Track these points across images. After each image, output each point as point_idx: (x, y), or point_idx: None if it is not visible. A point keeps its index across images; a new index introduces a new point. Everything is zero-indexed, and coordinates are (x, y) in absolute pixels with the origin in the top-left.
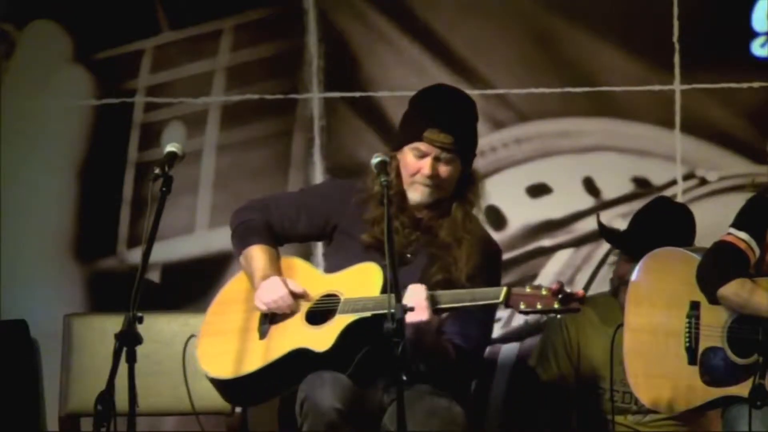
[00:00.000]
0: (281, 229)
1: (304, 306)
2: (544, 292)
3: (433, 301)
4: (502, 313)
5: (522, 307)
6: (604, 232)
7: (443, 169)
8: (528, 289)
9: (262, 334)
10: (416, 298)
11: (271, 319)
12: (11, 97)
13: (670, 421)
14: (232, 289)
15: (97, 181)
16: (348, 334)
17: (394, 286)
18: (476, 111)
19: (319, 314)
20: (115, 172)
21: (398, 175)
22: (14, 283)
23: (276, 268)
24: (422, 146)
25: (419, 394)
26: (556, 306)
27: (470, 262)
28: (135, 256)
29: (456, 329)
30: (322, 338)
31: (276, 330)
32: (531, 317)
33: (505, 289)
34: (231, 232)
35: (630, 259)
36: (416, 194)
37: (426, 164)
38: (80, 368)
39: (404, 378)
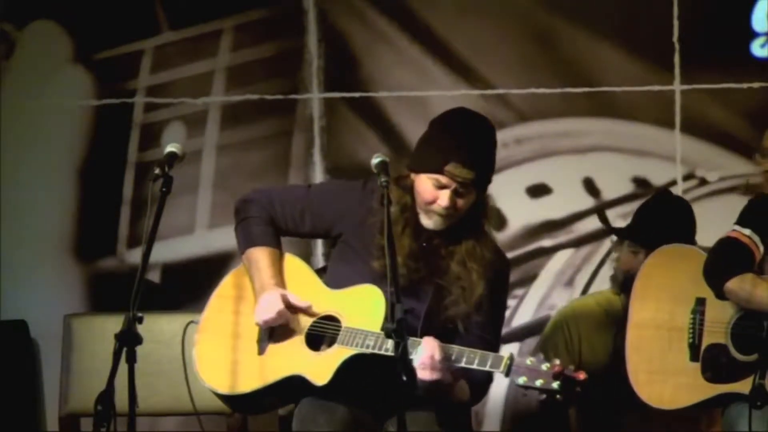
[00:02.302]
0: (285, 227)
1: (305, 324)
2: (544, 368)
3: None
4: None
5: (522, 381)
6: (608, 226)
7: (461, 202)
8: (528, 362)
9: (261, 350)
10: (428, 355)
11: (270, 334)
12: (11, 97)
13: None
14: (233, 283)
15: (97, 181)
16: (346, 366)
17: (394, 292)
18: (496, 139)
19: (319, 336)
20: (115, 172)
21: (412, 195)
22: (14, 283)
23: (277, 276)
24: (443, 179)
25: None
26: (555, 386)
27: (477, 291)
28: (135, 256)
29: None
30: (320, 368)
31: (275, 349)
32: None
33: (505, 360)
34: (234, 224)
35: (634, 251)
36: (429, 221)
37: (445, 196)
38: (80, 368)
39: (404, 378)
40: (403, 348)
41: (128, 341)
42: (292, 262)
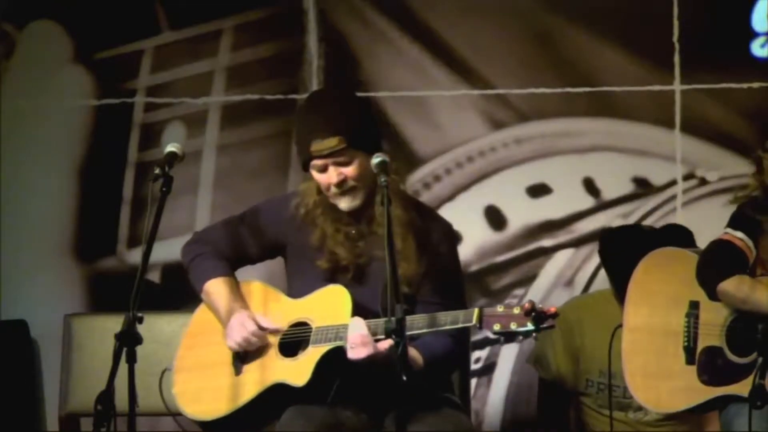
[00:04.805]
0: (234, 255)
1: (276, 337)
2: (516, 311)
3: (384, 332)
4: None
5: (496, 328)
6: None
7: (348, 170)
8: (500, 309)
9: (237, 370)
10: (358, 334)
11: (243, 354)
12: (11, 97)
13: (670, 421)
14: (201, 320)
15: (97, 181)
16: (324, 363)
17: (393, 285)
18: (355, 98)
19: (291, 344)
20: (115, 172)
21: (320, 191)
22: (14, 283)
23: (239, 300)
24: (317, 162)
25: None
26: (530, 325)
27: (409, 244)
28: (135, 256)
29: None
30: (298, 371)
31: (251, 365)
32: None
33: (476, 311)
34: (185, 269)
35: None
36: (343, 204)
37: (330, 176)
38: (80, 368)
39: (404, 378)
40: (402, 348)
41: (128, 341)
42: (249, 285)
